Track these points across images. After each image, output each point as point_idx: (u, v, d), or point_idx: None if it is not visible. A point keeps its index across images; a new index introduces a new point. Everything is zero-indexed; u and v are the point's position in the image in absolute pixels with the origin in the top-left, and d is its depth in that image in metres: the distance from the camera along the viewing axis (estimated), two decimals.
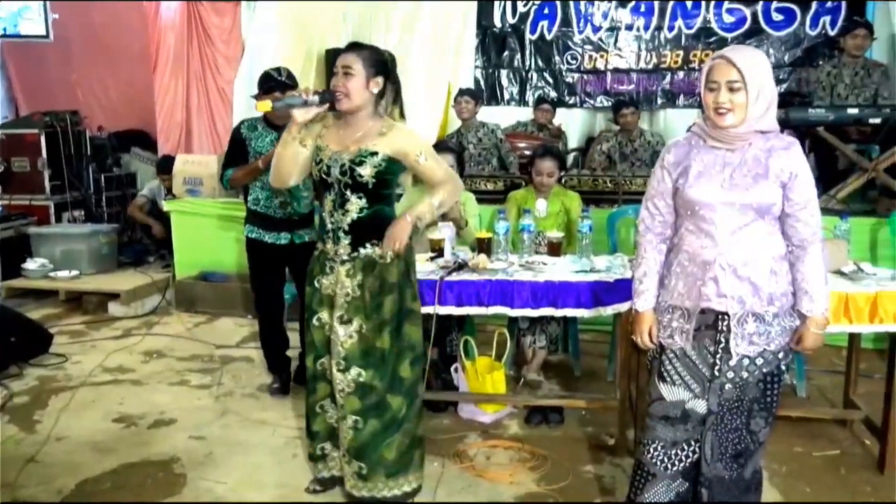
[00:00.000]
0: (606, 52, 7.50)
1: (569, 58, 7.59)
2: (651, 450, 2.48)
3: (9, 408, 3.99)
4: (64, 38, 8.72)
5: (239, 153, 4.00)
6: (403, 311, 2.87)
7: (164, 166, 6.78)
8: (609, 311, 3.29)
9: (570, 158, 6.88)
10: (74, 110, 7.53)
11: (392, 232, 2.80)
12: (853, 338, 3.62)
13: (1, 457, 3.38)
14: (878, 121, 4.72)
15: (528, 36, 7.62)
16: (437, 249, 3.69)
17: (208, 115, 8.23)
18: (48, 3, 8.32)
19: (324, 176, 2.80)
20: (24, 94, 9.03)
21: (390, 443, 2.85)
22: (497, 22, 7.65)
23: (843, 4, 6.86)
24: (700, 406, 2.41)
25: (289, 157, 2.82)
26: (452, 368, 3.93)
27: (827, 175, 5.15)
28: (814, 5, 6.95)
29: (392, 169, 2.81)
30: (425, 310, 3.29)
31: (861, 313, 3.08)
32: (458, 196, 3.05)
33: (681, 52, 7.33)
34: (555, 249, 3.80)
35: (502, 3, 7.60)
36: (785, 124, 4.44)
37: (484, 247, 3.73)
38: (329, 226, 2.84)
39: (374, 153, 2.75)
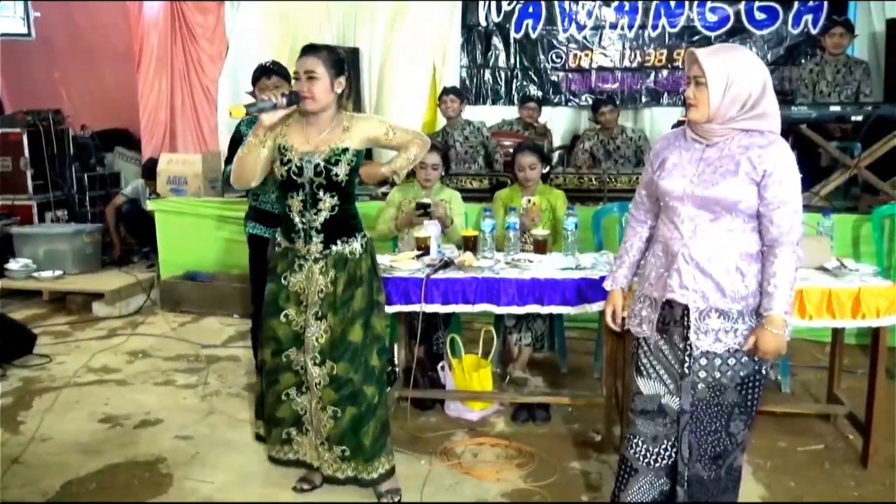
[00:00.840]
0: (591, 50, 7.52)
1: (553, 56, 7.61)
2: (633, 445, 2.50)
3: None
4: (46, 36, 8.67)
5: None
6: (372, 304, 2.94)
7: (150, 171, 6.71)
8: (594, 307, 3.31)
9: (556, 157, 6.90)
10: (57, 109, 7.46)
11: (368, 172, 3.01)
12: (836, 333, 3.65)
13: None
14: (859, 118, 4.76)
15: (512, 34, 7.63)
16: (423, 247, 3.70)
17: (192, 114, 8.18)
18: (29, 1, 8.28)
19: (293, 176, 2.81)
20: (7, 93, 8.95)
21: (367, 430, 2.92)
22: (482, 20, 7.66)
23: (825, 3, 6.90)
24: (674, 403, 2.42)
25: (252, 160, 2.85)
26: (439, 366, 3.94)
27: (810, 172, 5.18)
28: (796, 4, 6.98)
29: (360, 160, 2.88)
30: (411, 308, 3.32)
31: (844, 308, 3.10)
32: (427, 146, 3.10)
33: (664, 51, 7.36)
34: (540, 247, 3.81)
35: (487, 1, 7.60)
36: None
37: (470, 245, 3.74)
38: (299, 225, 2.86)
39: (346, 149, 2.81)
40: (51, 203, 7.18)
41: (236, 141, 4.01)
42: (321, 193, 2.81)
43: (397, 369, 3.87)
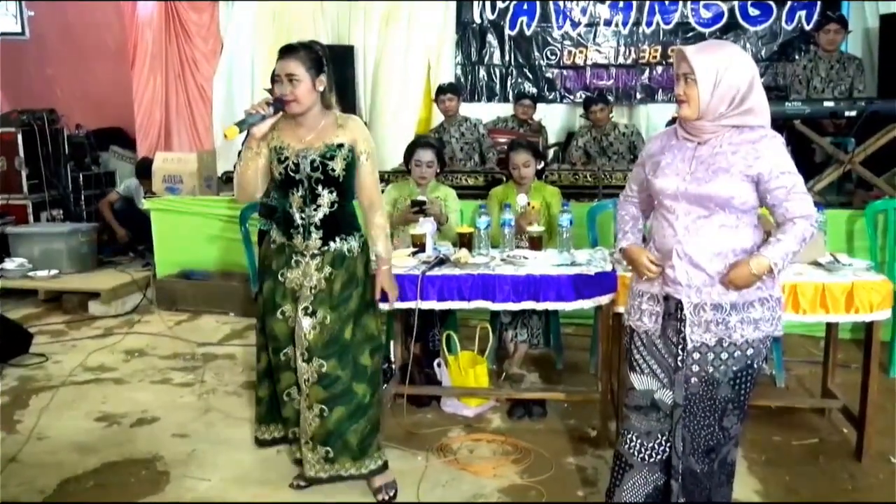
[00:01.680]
0: (585, 47, 7.52)
1: (548, 53, 7.61)
2: (628, 440, 2.51)
3: None
4: (40, 35, 8.64)
5: None
6: (365, 304, 2.96)
7: (145, 170, 6.71)
8: (590, 304, 3.32)
9: (551, 153, 6.91)
10: (52, 108, 7.45)
11: (384, 286, 3.02)
12: (830, 328, 3.66)
13: None
14: (853, 114, 4.76)
15: (507, 32, 7.63)
16: (419, 244, 3.71)
17: (187, 113, 8.19)
18: (23, 0, 8.25)
19: (291, 173, 2.83)
20: (1, 93, 8.92)
21: (355, 429, 2.92)
22: (476, 18, 7.65)
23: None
24: (667, 397, 2.44)
25: (252, 172, 2.86)
26: (435, 363, 3.95)
27: (804, 168, 5.19)
28: (789, 1, 7.01)
29: (355, 157, 2.88)
30: (407, 305, 3.32)
31: (837, 303, 3.12)
32: (387, 229, 3.09)
33: (659, 48, 7.37)
34: (536, 244, 3.82)
35: None
36: None
37: (465, 242, 3.75)
38: (299, 221, 2.87)
39: (341, 145, 2.83)
40: (46, 202, 7.19)
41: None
42: (320, 188, 2.84)
43: (394, 366, 3.89)
